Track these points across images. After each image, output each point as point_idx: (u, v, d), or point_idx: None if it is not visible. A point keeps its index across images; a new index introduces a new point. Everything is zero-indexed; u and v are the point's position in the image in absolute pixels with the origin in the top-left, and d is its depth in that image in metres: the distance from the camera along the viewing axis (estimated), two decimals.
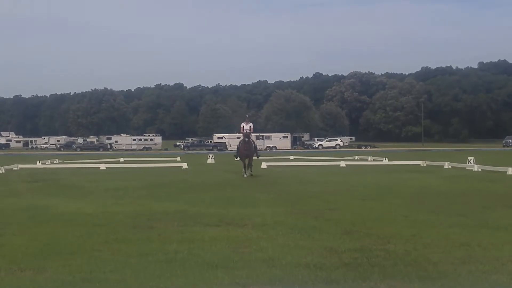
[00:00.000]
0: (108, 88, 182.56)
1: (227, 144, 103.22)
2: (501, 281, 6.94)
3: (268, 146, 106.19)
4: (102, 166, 35.85)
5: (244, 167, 26.82)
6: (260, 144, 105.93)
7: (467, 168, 31.49)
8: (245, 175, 26.25)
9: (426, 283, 6.86)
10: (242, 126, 27.38)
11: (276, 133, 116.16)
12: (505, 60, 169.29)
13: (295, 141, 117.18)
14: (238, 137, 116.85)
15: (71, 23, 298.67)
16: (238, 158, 27.87)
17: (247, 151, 26.72)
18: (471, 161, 32.86)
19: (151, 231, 10.78)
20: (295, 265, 7.82)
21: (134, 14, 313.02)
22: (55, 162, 44.75)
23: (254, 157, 27.39)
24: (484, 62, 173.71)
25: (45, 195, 18.47)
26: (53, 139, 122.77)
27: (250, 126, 27.35)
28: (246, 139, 26.92)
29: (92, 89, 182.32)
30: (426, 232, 10.26)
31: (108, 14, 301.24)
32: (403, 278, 7.07)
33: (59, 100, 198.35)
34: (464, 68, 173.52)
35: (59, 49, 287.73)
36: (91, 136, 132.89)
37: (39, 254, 8.69)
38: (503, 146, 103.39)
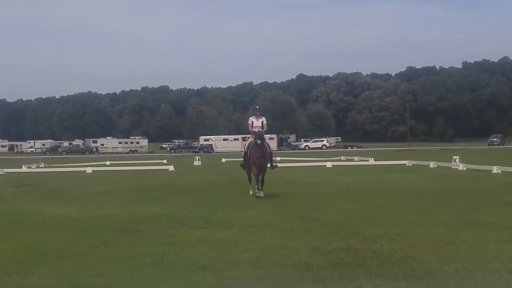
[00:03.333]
0: (93, 91, 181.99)
1: (213, 146, 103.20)
2: (487, 279, 6.99)
3: None
4: (88, 170, 35.72)
5: (256, 180, 18.00)
6: None
7: (453, 167, 31.68)
8: (257, 194, 17.67)
9: (412, 282, 6.91)
10: (251, 122, 18.83)
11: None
12: (488, 60, 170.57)
13: (281, 142, 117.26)
14: (224, 139, 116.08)
15: (55, 26, 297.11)
16: (248, 169, 18.83)
17: (260, 158, 17.77)
18: (457, 160, 33.06)
19: (138, 234, 10.77)
20: (282, 265, 7.85)
21: (120, 17, 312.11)
22: (40, 166, 44.51)
23: (268, 166, 18.47)
24: (468, 61, 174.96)
25: (31, 199, 18.39)
26: (38, 143, 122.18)
27: (263, 122, 18.72)
28: (259, 141, 17.87)
29: (77, 93, 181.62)
30: (412, 232, 10.33)
31: (93, 17, 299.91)
32: (389, 277, 7.11)
33: (44, 103, 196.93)
34: (448, 67, 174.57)
35: (43, 52, 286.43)
36: (76, 140, 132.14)
37: (25, 259, 8.65)
38: (488, 145, 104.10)
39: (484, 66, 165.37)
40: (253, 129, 18.47)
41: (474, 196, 16.50)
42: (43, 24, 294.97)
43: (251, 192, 18.33)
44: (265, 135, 18.40)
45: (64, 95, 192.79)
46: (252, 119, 19.00)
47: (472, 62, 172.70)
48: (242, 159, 19.10)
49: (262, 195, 17.44)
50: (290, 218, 12.67)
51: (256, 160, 17.79)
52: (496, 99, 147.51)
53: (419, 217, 12.31)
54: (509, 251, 8.47)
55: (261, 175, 17.83)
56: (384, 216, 12.60)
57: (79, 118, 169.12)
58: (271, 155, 18.53)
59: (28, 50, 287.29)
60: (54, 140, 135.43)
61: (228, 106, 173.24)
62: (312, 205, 14.97)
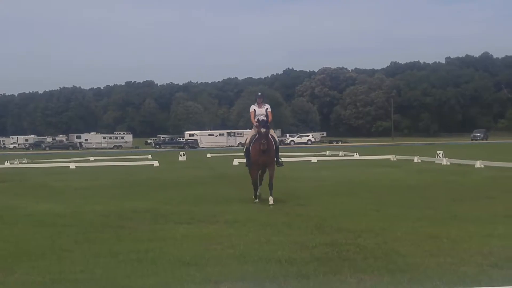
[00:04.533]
0: (77, 86, 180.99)
1: (198, 141, 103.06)
2: (469, 273, 7.03)
3: (240, 143, 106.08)
4: (72, 165, 35.51)
5: (258, 183, 15.38)
6: (232, 141, 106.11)
7: (436, 162, 31.89)
8: (256, 199, 15.07)
9: (395, 276, 6.93)
10: (253, 111, 15.56)
11: (248, 130, 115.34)
12: (471, 55, 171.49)
13: None
14: (210, 134, 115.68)
15: (38, 21, 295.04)
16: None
17: (265, 155, 14.72)
18: (440, 155, 33.30)
19: (122, 230, 10.72)
20: (267, 260, 7.84)
21: (104, 11, 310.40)
22: (23, 161, 44.23)
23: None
24: (451, 57, 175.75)
25: (13, 195, 18.25)
26: (21, 139, 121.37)
27: (267, 110, 15.39)
28: (263, 129, 14.68)
29: (60, 87, 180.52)
30: (396, 226, 10.37)
31: (77, 10, 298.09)
32: (373, 272, 7.14)
33: (27, 98, 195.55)
34: (432, 63, 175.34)
35: (26, 47, 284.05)
36: (60, 135, 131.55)
37: (8, 255, 8.58)
38: (471, 140, 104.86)
39: (466, 62, 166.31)
40: (255, 120, 15.10)
41: (458, 191, 16.62)
42: (26, 20, 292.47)
43: (256, 198, 15.18)
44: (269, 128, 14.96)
45: (48, 90, 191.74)
46: (254, 107, 15.67)
47: (455, 57, 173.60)
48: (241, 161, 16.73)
49: (257, 199, 15.04)
50: (275, 213, 12.68)
51: (258, 158, 14.72)
52: (479, 95, 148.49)
53: (403, 212, 12.37)
54: (491, 245, 8.52)
55: (269, 175, 14.94)
56: (368, 210, 12.65)
57: (63, 113, 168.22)
58: (277, 149, 15.32)
59: (12, 45, 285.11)
60: (37, 135, 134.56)
61: (214, 101, 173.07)
62: (297, 200, 15.00)
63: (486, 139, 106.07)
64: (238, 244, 9.02)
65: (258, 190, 15.36)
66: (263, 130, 14.65)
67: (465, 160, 30.53)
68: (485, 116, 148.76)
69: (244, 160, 16.77)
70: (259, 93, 16.29)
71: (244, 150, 15.91)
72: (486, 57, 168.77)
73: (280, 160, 15.71)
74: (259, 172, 15.31)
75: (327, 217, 11.68)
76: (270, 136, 14.86)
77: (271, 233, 10.04)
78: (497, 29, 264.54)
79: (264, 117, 15.04)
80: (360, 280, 6.80)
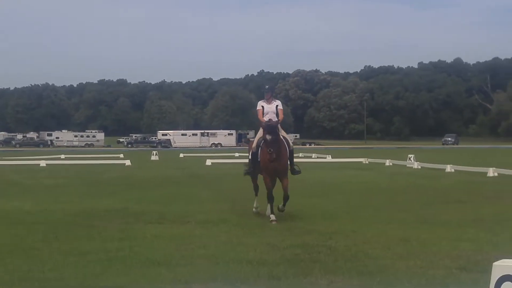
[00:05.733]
0: (49, 83, 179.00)
1: (171, 141, 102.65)
2: (438, 276, 7.10)
3: (213, 143, 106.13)
4: (42, 163, 35.17)
5: (269, 197, 12.28)
6: (205, 142, 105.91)
7: (408, 165, 32.18)
8: (271, 217, 11.80)
9: (365, 278, 6.97)
10: (260, 108, 12.82)
11: (222, 130, 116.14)
12: (444, 61, 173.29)
13: (240, 138, 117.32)
14: (183, 134, 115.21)
15: (9, 17, 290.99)
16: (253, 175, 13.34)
17: (275, 161, 11.99)
18: (412, 159, 33.62)
19: (91, 229, 10.64)
20: (238, 261, 7.84)
21: (76, 9, 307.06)
22: None
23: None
24: (424, 62, 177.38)
25: None
26: None
27: (278, 107, 12.77)
28: (269, 136, 11.94)
29: (32, 84, 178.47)
30: (367, 228, 10.44)
31: (48, 9, 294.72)
32: (343, 274, 7.16)
33: None
34: (406, 67, 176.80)
35: None
36: (31, 132, 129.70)
37: None
38: (443, 144, 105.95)
39: (439, 67, 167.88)
40: (263, 119, 12.45)
41: (428, 194, 16.78)
42: None
43: (254, 208, 13.15)
44: (273, 127, 12.15)
45: (19, 87, 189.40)
46: (261, 103, 12.88)
47: (428, 62, 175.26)
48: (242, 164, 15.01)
49: (282, 209, 12.39)
50: (247, 214, 12.69)
51: (268, 165, 12.10)
52: (451, 100, 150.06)
53: (374, 214, 12.46)
54: (460, 249, 8.61)
55: (282, 186, 12.34)
56: (340, 212, 12.71)
57: (34, 111, 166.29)
58: (291, 154, 12.80)
59: None
60: (8, 132, 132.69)
61: (188, 101, 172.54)
62: None
63: (457, 144, 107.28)
64: (209, 245, 9.00)
65: (256, 202, 13.06)
66: (268, 137, 11.87)
67: (436, 164, 30.88)
68: (457, 121, 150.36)
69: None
70: (267, 86, 13.21)
71: (250, 156, 13.04)
72: (458, 62, 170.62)
73: (296, 167, 12.98)
74: (271, 181, 12.41)
75: (299, 219, 11.73)
76: (281, 138, 12.31)
77: (243, 234, 10.05)
78: (470, 35, 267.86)
79: (273, 117, 12.47)
80: (330, 282, 6.82)
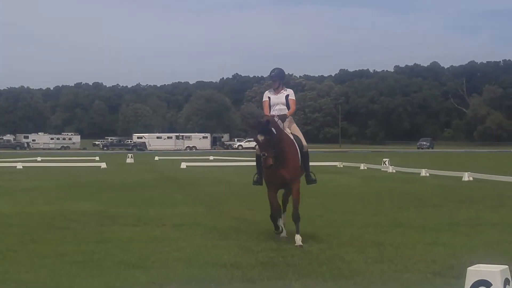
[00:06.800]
0: (25, 86, 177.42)
1: (147, 144, 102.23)
2: (412, 280, 7.16)
3: (188, 146, 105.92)
4: (19, 165, 34.88)
5: (279, 211, 10.49)
6: (180, 144, 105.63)
7: (382, 169, 32.41)
8: (281, 231, 10.27)
9: (339, 282, 7.04)
10: (267, 100, 10.63)
11: (196, 133, 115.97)
12: (419, 64, 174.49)
13: (215, 142, 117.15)
14: (158, 137, 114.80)
15: None
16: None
17: (275, 167, 9.51)
18: (386, 163, 33.87)
19: (67, 231, 10.64)
20: (212, 264, 7.90)
21: (54, 13, 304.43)
22: None
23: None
24: (400, 65, 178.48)
25: None
26: None
27: (288, 97, 10.63)
28: (260, 136, 9.48)
29: (8, 87, 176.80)
30: (341, 232, 10.54)
31: (26, 12, 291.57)
32: (317, 277, 7.24)
33: None
34: (381, 71, 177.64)
35: None
36: (7, 135, 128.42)
37: None
38: (418, 148, 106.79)
39: (415, 71, 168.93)
40: (268, 111, 10.45)
41: (403, 198, 16.94)
42: None
43: (280, 227, 10.33)
44: (290, 119, 10.61)
45: None
46: (268, 94, 10.72)
47: (404, 66, 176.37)
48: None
49: (284, 234, 10.19)
50: (222, 217, 12.74)
51: (266, 172, 9.95)
52: (427, 103, 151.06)
53: (349, 218, 12.57)
54: (435, 253, 8.71)
55: (292, 199, 10.23)
56: (314, 216, 12.78)
57: (10, 113, 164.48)
58: (305, 158, 10.48)
59: None
60: None
61: (163, 104, 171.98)
62: (245, 204, 15.06)
63: (432, 148, 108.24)
64: (184, 248, 9.05)
65: (281, 220, 10.35)
66: (260, 138, 9.43)
67: (411, 168, 31.15)
68: (432, 125, 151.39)
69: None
70: (273, 73, 10.69)
71: (256, 158, 10.62)
72: (434, 66, 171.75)
73: (312, 175, 10.89)
74: (276, 190, 10.20)
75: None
76: (291, 138, 10.17)
77: (218, 237, 10.10)
78: (445, 39, 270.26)
79: (284, 109, 10.44)
80: (304, 286, 6.89)
